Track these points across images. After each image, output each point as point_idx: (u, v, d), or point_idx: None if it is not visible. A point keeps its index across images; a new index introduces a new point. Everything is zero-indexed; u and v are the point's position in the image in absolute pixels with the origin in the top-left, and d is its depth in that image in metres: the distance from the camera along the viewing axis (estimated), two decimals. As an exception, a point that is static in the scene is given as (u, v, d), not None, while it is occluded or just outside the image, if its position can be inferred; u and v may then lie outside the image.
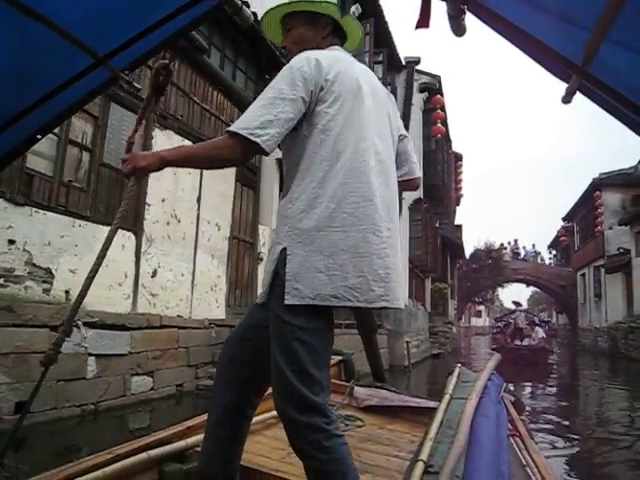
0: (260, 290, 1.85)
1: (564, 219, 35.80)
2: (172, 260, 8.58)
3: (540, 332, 20.20)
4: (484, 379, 3.40)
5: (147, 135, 8.06)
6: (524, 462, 2.46)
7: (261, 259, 11.33)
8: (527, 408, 6.07)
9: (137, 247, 7.89)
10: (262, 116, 1.61)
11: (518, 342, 19.57)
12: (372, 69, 13.35)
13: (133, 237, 7.83)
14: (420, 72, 16.34)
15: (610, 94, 1.49)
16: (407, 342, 14.85)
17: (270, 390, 2.25)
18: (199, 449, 2.07)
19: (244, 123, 1.62)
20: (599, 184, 26.64)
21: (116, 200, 7.49)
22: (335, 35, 1.96)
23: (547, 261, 43.68)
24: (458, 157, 27.98)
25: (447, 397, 3.10)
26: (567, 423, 8.40)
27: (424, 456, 2.15)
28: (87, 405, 6.29)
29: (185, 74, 9.17)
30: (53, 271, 6.43)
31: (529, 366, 16.62)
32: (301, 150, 1.71)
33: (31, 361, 5.52)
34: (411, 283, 16.76)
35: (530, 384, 13.44)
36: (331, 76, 1.72)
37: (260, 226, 11.53)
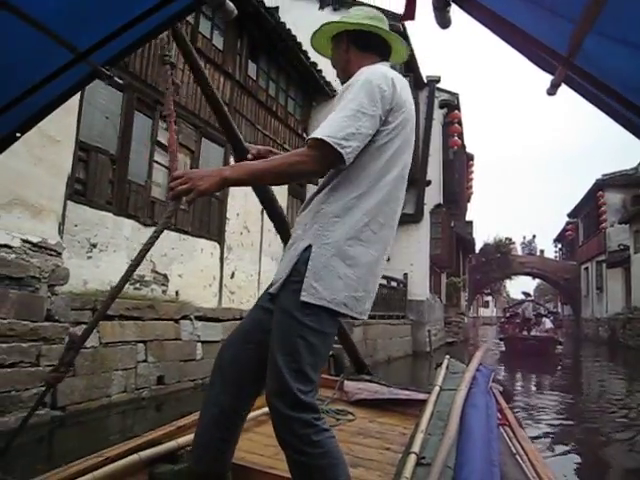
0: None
1: (569, 215, 37.29)
2: (244, 264, 10.45)
3: (548, 323, 20.46)
4: (473, 370, 3.40)
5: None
6: (514, 450, 2.48)
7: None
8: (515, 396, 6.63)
9: (221, 254, 9.76)
10: (347, 127, 1.58)
11: (526, 332, 19.41)
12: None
13: (218, 246, 9.70)
14: (440, 90, 17.99)
15: (595, 85, 1.45)
16: (429, 331, 16.71)
17: None
18: (190, 449, 2.04)
19: (331, 131, 1.58)
20: (602, 184, 28.20)
21: (206, 217, 9.37)
22: (366, 48, 1.93)
23: (552, 254, 45.24)
24: (469, 157, 29.28)
25: (437, 389, 3.11)
26: (567, 403, 9.48)
27: (416, 448, 2.15)
28: (197, 380, 8.12)
29: (250, 107, 10.99)
30: (168, 276, 8.29)
31: (537, 356, 16.67)
32: (353, 161, 1.65)
33: (166, 346, 7.38)
34: (431, 279, 18.52)
35: (537, 374, 14.06)
36: (401, 100, 1.73)
37: (306, 231, 13.41)
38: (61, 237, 5.92)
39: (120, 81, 2.20)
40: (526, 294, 24.57)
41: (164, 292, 8.18)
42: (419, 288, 17.06)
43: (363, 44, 1.91)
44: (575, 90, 1.55)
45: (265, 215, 11.39)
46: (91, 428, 5.68)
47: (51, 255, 5.64)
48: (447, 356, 4.05)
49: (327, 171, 1.70)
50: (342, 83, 1.89)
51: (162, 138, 8.13)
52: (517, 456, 2.40)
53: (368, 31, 1.88)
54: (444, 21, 1.52)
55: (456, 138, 18.53)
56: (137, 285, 7.63)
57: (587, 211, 32.09)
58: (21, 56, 1.85)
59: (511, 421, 2.93)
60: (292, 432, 1.58)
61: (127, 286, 7.09)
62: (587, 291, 32.88)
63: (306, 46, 11.75)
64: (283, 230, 3.47)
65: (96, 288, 6.74)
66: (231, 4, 1.90)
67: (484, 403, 2.84)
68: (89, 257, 6.76)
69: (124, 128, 7.64)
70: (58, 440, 5.25)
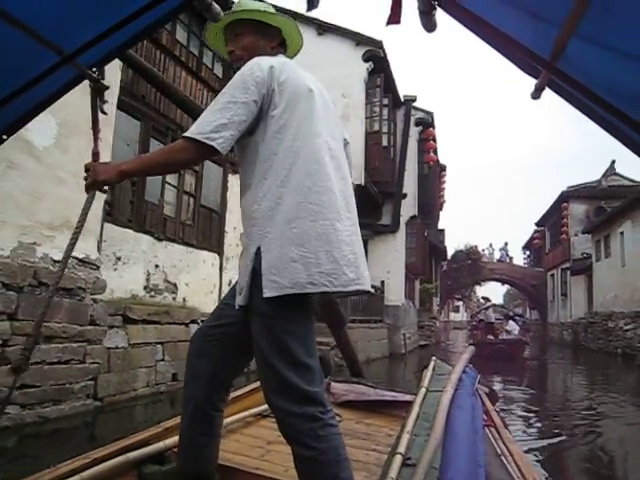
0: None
1: (537, 224, 38.83)
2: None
3: (515, 326, 20.24)
4: (459, 371, 3.41)
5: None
6: (499, 451, 2.48)
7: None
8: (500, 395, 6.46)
9: (220, 264, 10.77)
10: (216, 120, 1.64)
11: (491, 337, 19.35)
12: (380, 112, 16.29)
13: (218, 257, 10.71)
14: (416, 108, 19.27)
15: (577, 89, 1.46)
16: (404, 334, 17.91)
17: (245, 390, 2.58)
18: (177, 450, 2.06)
19: (199, 128, 1.64)
20: (567, 196, 29.67)
21: (208, 231, 10.40)
22: (280, 45, 2.00)
23: (521, 261, 46.89)
24: (442, 168, 30.57)
25: (423, 390, 3.12)
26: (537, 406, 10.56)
27: (402, 449, 2.15)
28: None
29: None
30: (177, 285, 9.29)
31: (506, 360, 16.70)
32: (258, 153, 1.72)
33: (179, 347, 8.33)
34: (406, 285, 19.73)
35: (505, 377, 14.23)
36: (282, 79, 1.75)
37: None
38: (99, 253, 6.92)
39: (106, 85, 2.16)
40: (485, 299, 24.12)
41: (174, 299, 9.17)
42: (395, 294, 18.25)
43: (263, 36, 1.96)
44: (558, 94, 1.56)
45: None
46: (124, 415, 6.65)
47: (92, 269, 6.62)
48: (434, 357, 4.10)
49: (207, 159, 1.81)
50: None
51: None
52: (502, 457, 2.42)
53: (267, 22, 1.94)
54: (430, 25, 1.53)
55: (431, 154, 19.87)
56: (152, 293, 8.63)
57: (553, 220, 33.49)
58: (6, 58, 1.84)
59: (496, 422, 2.95)
60: (297, 428, 1.60)
61: (144, 294, 8.06)
62: (553, 297, 34.36)
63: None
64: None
65: (120, 296, 7.72)
66: (217, 6, 1.91)
67: (470, 404, 2.88)
68: (115, 269, 7.75)
69: (141, 153, 8.59)
70: (100, 424, 6.22)
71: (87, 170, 1.71)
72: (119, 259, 7.84)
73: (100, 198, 6.89)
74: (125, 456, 2.13)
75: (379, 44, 15.32)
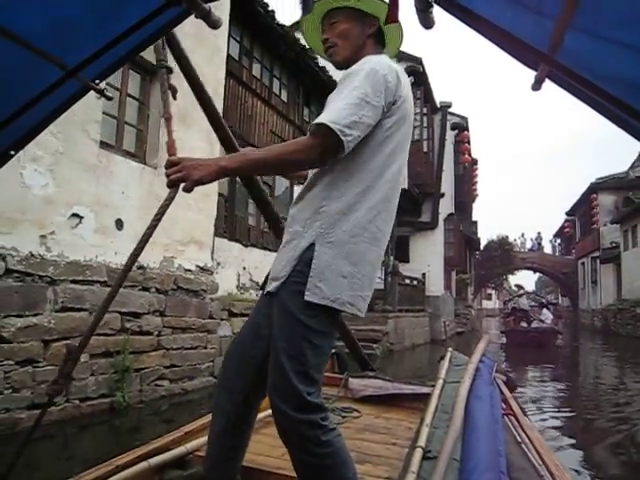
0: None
1: (567, 213, 39.69)
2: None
3: (548, 314, 20.28)
4: (476, 361, 3.40)
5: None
6: (519, 439, 2.49)
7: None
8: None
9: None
10: (351, 115, 1.52)
11: (525, 324, 19.37)
12: (421, 121, 17.85)
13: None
14: (452, 114, 20.81)
15: (576, 80, 1.46)
16: (444, 322, 19.53)
17: None
18: (199, 453, 2.11)
19: (334, 117, 1.51)
20: (595, 187, 30.69)
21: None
22: (378, 40, 1.87)
23: (551, 249, 47.67)
24: (474, 162, 31.60)
25: (440, 382, 3.11)
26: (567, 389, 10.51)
27: (422, 442, 2.16)
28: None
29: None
30: (259, 283, 11.01)
31: (538, 348, 16.80)
32: (354, 154, 1.60)
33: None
34: (444, 277, 21.33)
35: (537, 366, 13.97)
36: (404, 93, 1.69)
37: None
38: (213, 261, 8.69)
39: (110, 95, 2.15)
40: (519, 287, 24.54)
41: (257, 296, 10.90)
42: (435, 285, 19.88)
43: (375, 32, 1.84)
44: (559, 85, 1.52)
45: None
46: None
47: (209, 274, 8.40)
48: (450, 349, 4.05)
49: (326, 161, 1.62)
50: (340, 68, 1.83)
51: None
52: (522, 445, 2.41)
53: (364, 10, 1.81)
54: (427, 22, 1.50)
55: (466, 155, 21.36)
56: (242, 291, 10.39)
57: (583, 210, 34.27)
58: (12, 75, 1.84)
59: (515, 410, 2.94)
60: (300, 434, 1.58)
61: (236, 291, 9.86)
62: (584, 284, 35.25)
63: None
64: (278, 230, 3.36)
65: (220, 294, 9.48)
66: (215, 14, 1.84)
67: (488, 394, 2.84)
68: (217, 272, 9.50)
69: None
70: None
71: (172, 165, 1.54)
72: (219, 264, 9.60)
73: (210, 217, 8.65)
74: (147, 462, 2.13)
75: (419, 60, 16.83)
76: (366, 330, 13.16)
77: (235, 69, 10.35)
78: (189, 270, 7.88)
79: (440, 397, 2.85)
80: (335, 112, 1.53)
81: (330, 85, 14.00)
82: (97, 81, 2.05)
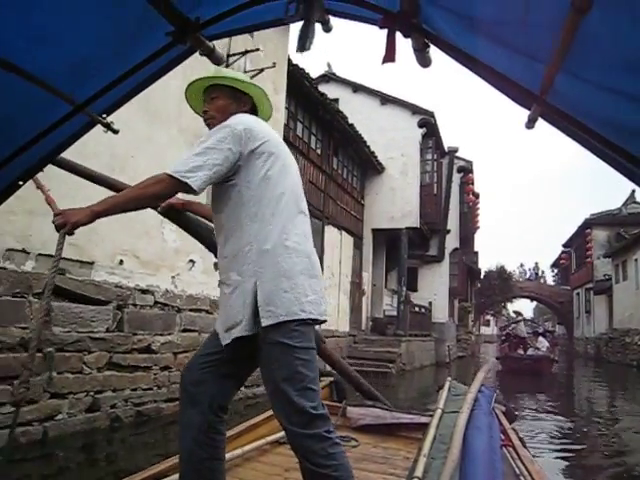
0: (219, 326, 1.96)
1: (564, 245, 41.02)
2: (331, 298, 15.19)
3: (544, 342, 20.47)
4: (474, 391, 3.38)
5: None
6: (517, 472, 2.48)
7: (364, 293, 17.99)
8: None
9: (320, 293, 14.47)
10: (193, 162, 1.80)
11: (521, 352, 19.64)
12: (432, 167, 20.02)
13: (319, 288, 14.42)
14: (458, 158, 22.90)
15: (567, 121, 1.51)
16: (448, 346, 21.50)
17: (261, 417, 2.77)
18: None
19: (177, 167, 1.79)
20: (590, 223, 32.20)
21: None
22: (251, 110, 2.15)
23: (550, 278, 49.16)
24: (476, 195, 33.18)
25: (439, 412, 3.10)
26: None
27: (419, 473, 2.13)
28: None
29: (333, 190, 15.84)
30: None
31: (532, 375, 17.03)
32: (243, 198, 1.89)
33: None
34: (449, 305, 23.28)
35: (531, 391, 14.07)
36: (261, 134, 1.94)
37: (363, 272, 18.27)
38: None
39: (116, 128, 2.22)
40: (517, 313, 24.64)
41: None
42: (441, 313, 21.85)
43: (249, 108, 2.14)
44: (552, 124, 1.57)
45: (342, 265, 16.44)
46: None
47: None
48: (449, 378, 4.04)
49: (178, 192, 1.88)
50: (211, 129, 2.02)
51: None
52: (521, 477, 2.41)
53: (240, 90, 2.11)
54: (424, 61, 1.58)
55: (470, 195, 23.51)
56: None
57: (578, 243, 35.57)
58: (24, 110, 1.92)
59: (514, 442, 2.92)
60: (310, 448, 1.70)
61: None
62: (578, 313, 36.66)
63: (365, 135, 16.63)
64: (212, 245, 2.68)
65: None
66: (219, 51, 1.92)
67: (487, 425, 2.83)
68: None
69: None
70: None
71: (56, 215, 1.80)
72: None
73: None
74: None
75: (431, 114, 18.93)
76: (383, 352, 15.26)
77: (285, 131, 12.20)
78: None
79: (438, 427, 2.84)
80: (178, 162, 1.83)
81: (355, 138, 16.22)
82: (104, 115, 2.16)
